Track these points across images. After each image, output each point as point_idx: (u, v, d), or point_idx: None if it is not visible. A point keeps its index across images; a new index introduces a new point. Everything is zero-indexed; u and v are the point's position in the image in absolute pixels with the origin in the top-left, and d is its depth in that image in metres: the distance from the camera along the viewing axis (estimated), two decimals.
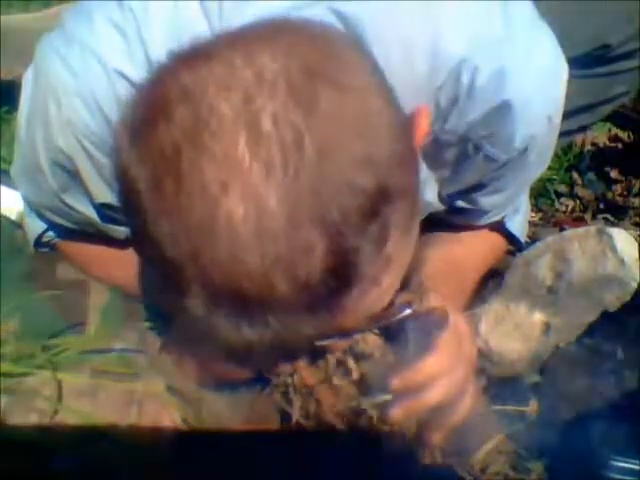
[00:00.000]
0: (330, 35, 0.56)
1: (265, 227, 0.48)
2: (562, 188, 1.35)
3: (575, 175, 1.37)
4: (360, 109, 0.51)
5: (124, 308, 0.98)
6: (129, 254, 0.68)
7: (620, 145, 1.43)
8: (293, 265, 0.48)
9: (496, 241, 1.02)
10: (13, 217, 1.13)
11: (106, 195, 0.79)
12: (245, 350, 0.53)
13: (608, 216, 1.26)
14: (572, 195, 1.34)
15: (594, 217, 1.28)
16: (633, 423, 0.82)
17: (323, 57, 0.51)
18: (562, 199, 1.34)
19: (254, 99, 0.47)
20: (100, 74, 0.71)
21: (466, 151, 0.81)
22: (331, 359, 0.81)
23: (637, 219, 1.23)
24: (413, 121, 0.59)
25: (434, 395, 0.78)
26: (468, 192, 0.90)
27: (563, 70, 0.80)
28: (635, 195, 1.30)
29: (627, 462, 0.79)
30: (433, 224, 0.99)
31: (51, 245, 1.01)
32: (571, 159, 1.38)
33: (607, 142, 1.44)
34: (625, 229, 1.01)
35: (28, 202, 0.95)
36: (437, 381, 0.78)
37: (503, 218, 0.98)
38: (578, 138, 1.40)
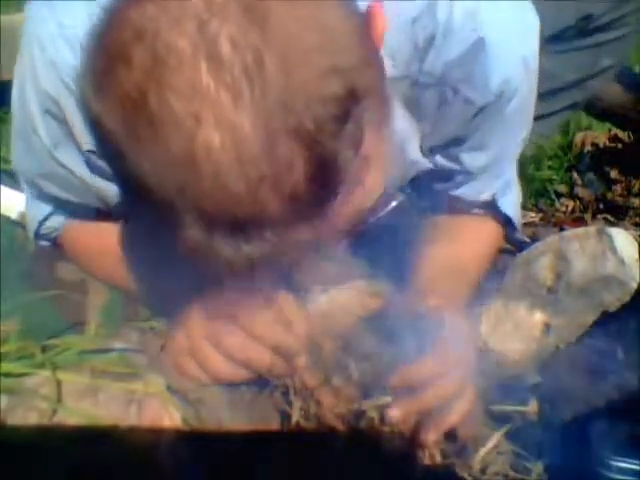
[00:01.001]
0: None
1: (244, 151, 0.49)
2: (562, 188, 1.35)
3: (575, 175, 1.37)
4: (316, 19, 0.51)
5: (124, 308, 0.98)
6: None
7: (620, 145, 1.43)
8: (278, 182, 0.50)
9: (492, 231, 1.02)
10: (13, 217, 1.13)
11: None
12: (249, 268, 0.55)
13: (608, 216, 1.26)
14: (572, 195, 1.34)
15: (594, 217, 1.29)
16: (633, 423, 0.82)
17: None
18: (562, 199, 1.34)
19: (208, 26, 0.48)
20: (83, 12, 0.69)
21: (445, 97, 0.82)
22: (331, 360, 0.81)
23: (637, 219, 1.23)
24: (370, 21, 0.60)
25: (435, 395, 0.78)
26: (451, 148, 0.90)
27: (534, 11, 0.82)
28: (635, 195, 1.30)
29: (627, 462, 0.79)
30: (430, 226, 0.99)
31: (51, 238, 1.02)
32: (571, 159, 1.38)
33: (607, 142, 1.44)
34: (625, 229, 1.01)
35: (25, 177, 0.96)
36: (436, 381, 0.78)
37: (494, 196, 0.98)
38: (578, 138, 1.40)
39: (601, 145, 1.44)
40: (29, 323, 0.89)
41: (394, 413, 0.78)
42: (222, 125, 0.48)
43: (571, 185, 1.35)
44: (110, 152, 0.53)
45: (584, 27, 1.13)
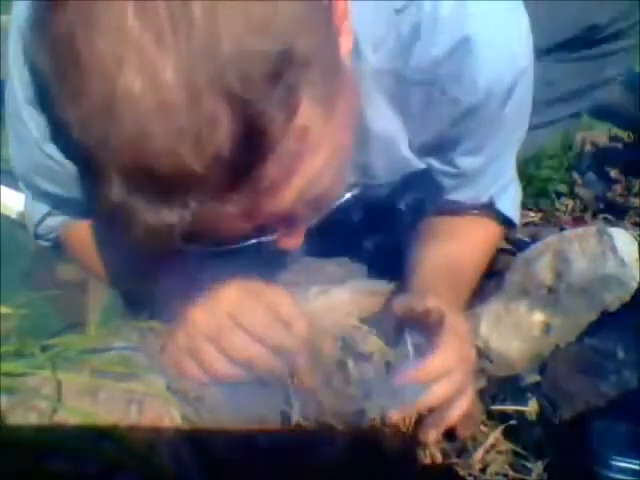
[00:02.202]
0: None
1: (164, 99, 0.47)
2: (562, 188, 1.35)
3: (575, 175, 1.37)
4: None
5: (124, 308, 0.98)
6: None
7: (620, 145, 1.43)
8: (199, 137, 0.48)
9: (491, 231, 1.02)
10: (13, 217, 1.13)
11: None
12: (167, 234, 0.52)
13: (608, 216, 1.26)
14: (572, 195, 1.34)
15: (594, 217, 1.28)
16: (633, 423, 0.82)
17: None
18: (562, 199, 1.34)
19: None
20: None
21: (431, 95, 0.80)
22: (331, 360, 0.81)
23: (637, 219, 1.23)
24: None
25: (434, 395, 0.78)
26: (443, 149, 0.88)
27: (522, 9, 0.80)
28: (635, 195, 1.30)
29: (627, 462, 0.79)
30: (429, 226, 0.99)
31: (51, 239, 1.02)
32: (571, 159, 1.38)
33: (607, 142, 1.44)
34: (625, 229, 1.01)
35: (21, 173, 0.96)
36: (438, 381, 0.78)
37: (492, 199, 0.97)
38: (578, 138, 1.40)
39: (601, 145, 1.44)
40: (29, 323, 0.89)
41: (395, 412, 0.78)
42: (143, 69, 0.47)
43: (571, 185, 1.35)
44: (42, 96, 0.52)
45: (589, 37, 1.12)
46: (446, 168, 0.92)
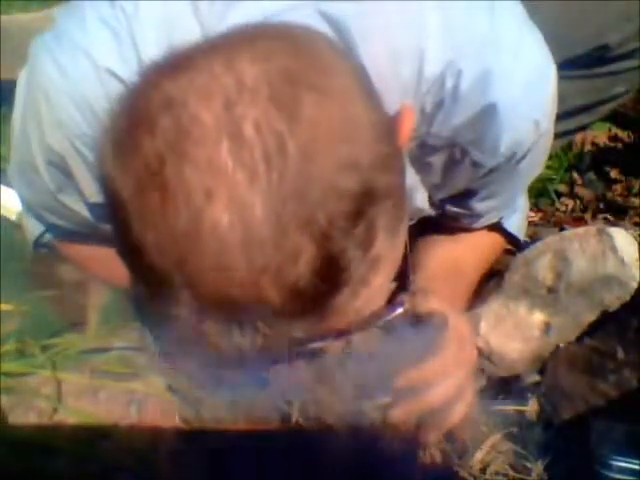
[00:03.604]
0: (311, 37, 0.56)
1: (251, 234, 0.47)
2: (562, 188, 1.35)
3: (575, 175, 1.37)
4: (342, 112, 0.50)
5: (124, 308, 0.98)
6: None
7: (620, 145, 1.43)
8: (281, 272, 0.48)
9: (495, 239, 1.02)
10: (13, 217, 1.13)
11: (99, 195, 0.79)
12: (237, 355, 0.53)
13: (608, 216, 1.26)
14: (572, 195, 1.34)
15: (594, 217, 1.28)
16: (633, 423, 0.82)
17: (304, 60, 0.51)
18: (562, 199, 1.34)
19: (235, 106, 0.47)
20: (91, 73, 0.71)
21: (453, 156, 0.80)
22: (331, 360, 0.81)
23: (637, 219, 1.23)
24: (397, 121, 0.58)
25: (436, 396, 0.78)
26: (461, 199, 0.89)
27: (551, 73, 0.78)
28: (635, 195, 1.30)
29: (627, 462, 0.79)
30: (430, 226, 0.99)
31: (50, 246, 1.01)
32: (571, 159, 1.38)
33: (607, 142, 1.44)
34: (625, 229, 1.01)
35: (25, 203, 0.95)
36: (439, 382, 0.78)
37: (501, 219, 0.98)
38: (578, 138, 1.40)
39: (601, 145, 1.43)
40: (29, 323, 0.89)
41: (395, 413, 0.78)
42: (233, 204, 0.47)
43: (571, 185, 1.35)
44: (116, 215, 0.52)
45: (601, 55, 1.11)
46: (461, 211, 0.92)
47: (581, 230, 0.97)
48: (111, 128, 0.52)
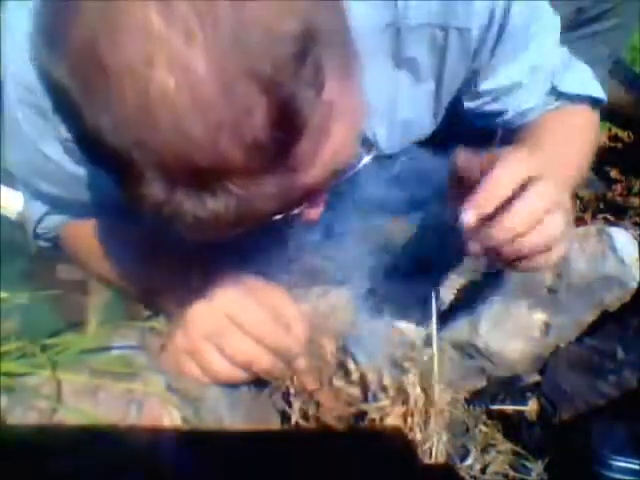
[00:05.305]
0: None
1: (200, 94, 0.47)
2: None
3: None
4: None
5: (124, 308, 0.98)
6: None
7: (620, 145, 1.43)
8: (237, 126, 0.48)
9: (577, 116, 0.96)
10: (13, 217, 1.13)
11: None
12: (214, 223, 0.53)
13: (608, 216, 1.26)
14: (572, 195, 1.34)
15: (594, 217, 1.28)
16: (633, 423, 0.82)
17: None
18: None
19: None
20: None
21: (436, 40, 0.81)
22: (331, 360, 0.81)
23: (637, 219, 1.23)
24: None
25: (517, 213, 0.66)
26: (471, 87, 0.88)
27: None
28: (635, 195, 1.30)
29: (627, 462, 0.79)
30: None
31: (49, 239, 1.02)
32: None
33: (607, 142, 1.44)
34: (625, 229, 1.01)
35: (19, 175, 0.95)
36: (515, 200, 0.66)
37: (552, 84, 0.93)
38: None
39: (601, 145, 1.43)
40: (29, 323, 0.89)
41: (468, 217, 0.66)
42: (175, 67, 0.46)
43: None
44: (65, 109, 0.52)
45: (576, 19, 1.15)
46: (485, 98, 0.90)
47: (581, 230, 0.97)
48: (40, 19, 0.51)
